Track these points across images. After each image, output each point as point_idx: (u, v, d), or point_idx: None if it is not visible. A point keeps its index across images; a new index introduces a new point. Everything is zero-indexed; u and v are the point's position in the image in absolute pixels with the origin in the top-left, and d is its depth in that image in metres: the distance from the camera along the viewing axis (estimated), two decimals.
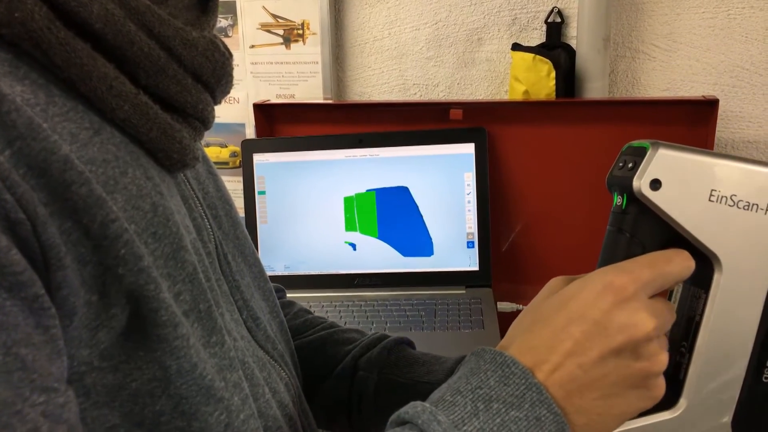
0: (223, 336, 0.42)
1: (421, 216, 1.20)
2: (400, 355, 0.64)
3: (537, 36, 1.30)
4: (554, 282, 0.47)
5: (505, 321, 1.12)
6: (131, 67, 0.36)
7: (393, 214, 1.21)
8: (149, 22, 0.37)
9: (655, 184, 0.44)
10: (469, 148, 1.19)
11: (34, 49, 0.33)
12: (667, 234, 0.45)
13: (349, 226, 1.21)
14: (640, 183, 0.44)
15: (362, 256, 1.21)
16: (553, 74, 1.22)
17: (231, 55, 0.44)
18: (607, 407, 0.42)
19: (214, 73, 0.41)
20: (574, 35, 1.27)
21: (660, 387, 0.43)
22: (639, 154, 0.45)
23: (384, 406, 0.61)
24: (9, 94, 0.30)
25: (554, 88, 1.22)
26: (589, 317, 0.41)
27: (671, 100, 1.22)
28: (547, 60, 1.21)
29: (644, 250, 0.45)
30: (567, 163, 1.22)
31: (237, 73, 1.37)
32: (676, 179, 0.44)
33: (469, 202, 1.19)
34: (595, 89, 1.24)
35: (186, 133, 0.40)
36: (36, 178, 0.31)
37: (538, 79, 1.22)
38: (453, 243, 1.20)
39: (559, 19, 1.27)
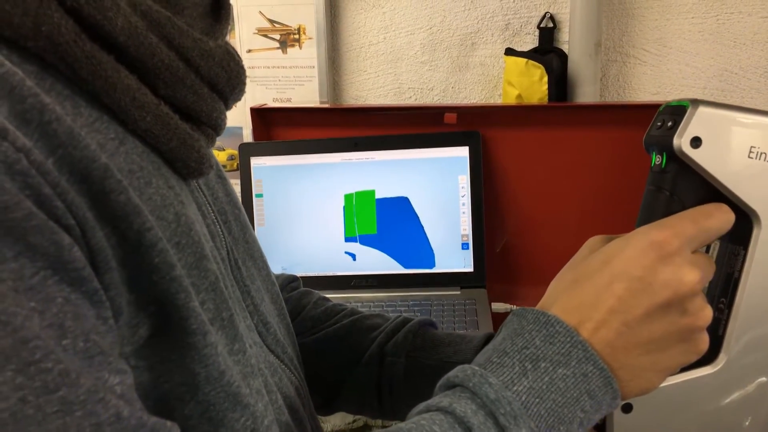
0: (245, 343, 0.42)
1: (422, 227, 1.22)
2: (426, 338, 0.64)
3: (530, 41, 1.32)
4: (593, 241, 0.47)
5: (499, 321, 1.13)
6: (151, 78, 0.37)
7: (393, 225, 1.22)
8: (169, 33, 0.37)
9: (696, 142, 0.44)
10: (463, 152, 1.21)
11: (59, 62, 0.33)
12: (707, 191, 0.45)
13: (349, 229, 1.22)
14: (681, 141, 0.44)
15: (360, 262, 1.23)
16: (546, 79, 1.23)
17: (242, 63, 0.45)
18: (652, 362, 0.42)
19: (229, 82, 0.42)
20: (566, 40, 1.29)
21: (704, 341, 0.43)
22: (678, 113, 0.45)
23: (414, 387, 0.62)
24: (49, 103, 0.31)
25: (547, 92, 1.24)
26: (633, 274, 0.41)
27: (661, 104, 1.24)
28: (540, 65, 1.23)
29: (684, 208, 0.45)
30: (559, 165, 1.24)
31: None
32: (716, 136, 0.44)
33: (463, 204, 1.21)
34: (586, 93, 1.26)
35: (203, 142, 0.41)
36: (78, 185, 0.32)
37: (530, 84, 1.24)
38: (448, 245, 1.21)
39: (551, 25, 1.29)
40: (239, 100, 0.45)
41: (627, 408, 0.47)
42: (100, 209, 0.32)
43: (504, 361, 0.41)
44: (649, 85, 1.31)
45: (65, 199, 0.30)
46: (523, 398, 0.39)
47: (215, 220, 0.47)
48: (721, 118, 0.44)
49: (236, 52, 0.44)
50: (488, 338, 0.63)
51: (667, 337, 0.42)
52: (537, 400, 0.39)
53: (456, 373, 0.42)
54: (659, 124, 0.46)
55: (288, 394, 0.49)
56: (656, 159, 0.47)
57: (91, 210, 0.32)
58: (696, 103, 0.44)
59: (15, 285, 0.28)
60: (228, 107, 0.44)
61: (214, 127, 0.42)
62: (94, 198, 0.32)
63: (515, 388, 0.40)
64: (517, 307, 0.45)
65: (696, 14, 1.26)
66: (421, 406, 0.41)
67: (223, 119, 0.43)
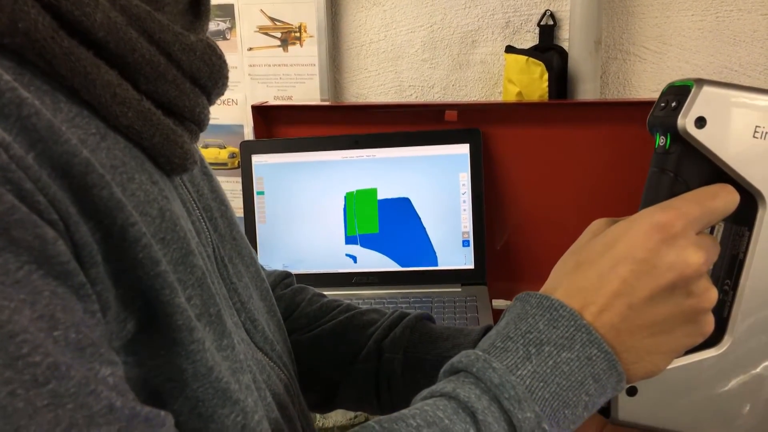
0: (233, 339, 0.42)
1: (424, 228, 1.22)
2: (423, 332, 0.64)
3: (530, 38, 1.32)
4: (597, 224, 0.47)
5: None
6: (132, 73, 0.36)
7: (395, 226, 1.22)
8: (150, 28, 0.37)
9: (701, 122, 0.43)
10: (464, 149, 1.21)
11: (37, 58, 0.33)
12: (711, 172, 0.44)
13: (350, 228, 1.23)
14: (685, 121, 0.43)
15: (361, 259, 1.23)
16: (546, 76, 1.24)
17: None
18: (657, 345, 0.42)
19: (211, 76, 0.41)
20: (566, 38, 1.29)
21: (709, 323, 0.43)
22: (682, 93, 0.44)
23: (413, 383, 0.61)
24: (28, 97, 0.30)
25: (547, 89, 1.24)
26: (637, 257, 0.41)
27: None
28: (540, 62, 1.23)
29: (688, 189, 0.44)
30: (559, 162, 1.24)
31: (235, 75, 1.40)
32: (720, 116, 0.43)
33: (464, 201, 1.21)
34: (587, 91, 1.27)
35: (186, 138, 0.40)
36: (60, 180, 0.31)
37: (531, 81, 1.24)
38: (449, 242, 1.22)
39: (551, 22, 1.29)
40: (222, 94, 0.44)
41: (632, 391, 0.47)
42: (83, 204, 0.32)
43: (507, 346, 0.41)
44: (649, 82, 1.31)
45: (47, 193, 0.30)
46: (527, 382, 0.39)
47: (200, 217, 0.46)
48: (726, 97, 0.44)
49: (218, 46, 0.43)
50: (486, 331, 0.62)
51: (672, 319, 0.42)
52: (541, 384, 0.39)
53: (460, 358, 0.42)
54: (663, 104, 0.46)
55: (277, 392, 0.49)
56: (660, 140, 0.46)
57: (74, 205, 0.31)
58: (700, 82, 0.44)
59: (2, 279, 0.27)
60: (211, 102, 0.43)
61: (197, 122, 0.42)
62: (76, 193, 0.32)
63: (519, 372, 0.40)
64: (521, 293, 0.45)
65: (696, 12, 1.26)
66: (425, 392, 0.41)
67: (207, 114, 0.43)
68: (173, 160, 0.39)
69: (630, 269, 0.41)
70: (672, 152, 0.45)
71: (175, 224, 0.38)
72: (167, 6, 0.40)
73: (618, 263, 0.41)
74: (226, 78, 0.44)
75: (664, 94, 0.47)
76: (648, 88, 1.31)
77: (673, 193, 0.44)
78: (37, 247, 0.29)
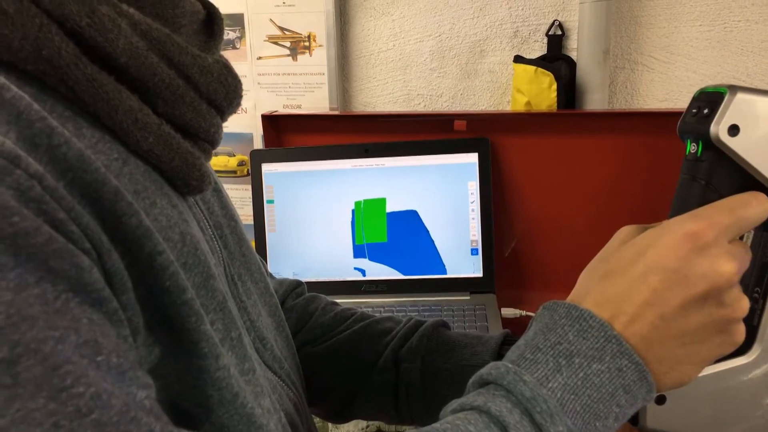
0: (253, 363, 0.42)
1: (432, 241, 1.22)
2: (440, 340, 0.63)
3: (538, 48, 1.33)
4: (625, 231, 0.46)
5: (509, 326, 1.14)
6: (151, 97, 0.37)
7: (403, 238, 1.23)
8: (169, 51, 0.37)
9: (734, 130, 0.42)
10: (472, 158, 1.22)
11: (60, 84, 0.33)
12: (743, 180, 0.44)
13: (358, 237, 1.23)
14: (718, 129, 0.42)
15: (369, 264, 1.24)
16: (555, 86, 1.24)
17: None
18: (688, 355, 0.41)
19: (227, 97, 0.42)
20: (574, 47, 1.30)
21: (741, 332, 0.43)
22: (715, 100, 0.43)
23: (431, 392, 0.61)
24: (58, 127, 0.31)
25: (555, 99, 1.25)
26: (668, 266, 0.41)
27: (669, 111, 1.25)
28: (549, 72, 1.24)
29: (720, 197, 0.43)
30: (568, 172, 1.24)
31: (245, 83, 1.39)
32: (754, 124, 0.42)
33: (472, 210, 1.22)
34: (595, 100, 1.27)
35: (202, 159, 0.41)
36: (90, 207, 0.31)
37: (539, 91, 1.25)
38: (457, 250, 1.22)
39: (559, 32, 1.30)
40: (235, 112, 0.45)
41: (660, 399, 0.46)
42: (113, 232, 0.32)
43: (537, 358, 0.41)
44: (657, 92, 1.31)
45: (80, 223, 0.30)
46: (559, 395, 0.39)
47: (212, 236, 0.47)
48: (760, 104, 0.43)
49: (232, 67, 0.44)
50: (504, 338, 0.62)
51: (703, 329, 0.41)
52: (572, 396, 0.39)
53: (489, 370, 0.41)
54: (695, 110, 0.45)
55: (288, 411, 0.49)
56: (691, 147, 0.45)
57: (104, 233, 0.32)
58: (734, 89, 0.43)
59: (44, 309, 0.28)
60: (224, 120, 0.44)
61: (211, 141, 0.42)
62: (106, 221, 0.32)
63: (550, 385, 0.39)
64: (549, 301, 0.45)
65: (703, 22, 1.27)
66: (455, 404, 0.41)
67: (220, 133, 0.43)
68: (191, 182, 0.39)
69: (661, 279, 0.41)
70: (704, 160, 0.45)
71: (196, 248, 0.38)
72: (183, 27, 0.41)
73: (649, 272, 0.41)
74: (241, 97, 0.44)
75: (695, 99, 0.46)
76: (656, 98, 1.32)
77: (704, 201, 0.44)
78: (73, 276, 0.29)
